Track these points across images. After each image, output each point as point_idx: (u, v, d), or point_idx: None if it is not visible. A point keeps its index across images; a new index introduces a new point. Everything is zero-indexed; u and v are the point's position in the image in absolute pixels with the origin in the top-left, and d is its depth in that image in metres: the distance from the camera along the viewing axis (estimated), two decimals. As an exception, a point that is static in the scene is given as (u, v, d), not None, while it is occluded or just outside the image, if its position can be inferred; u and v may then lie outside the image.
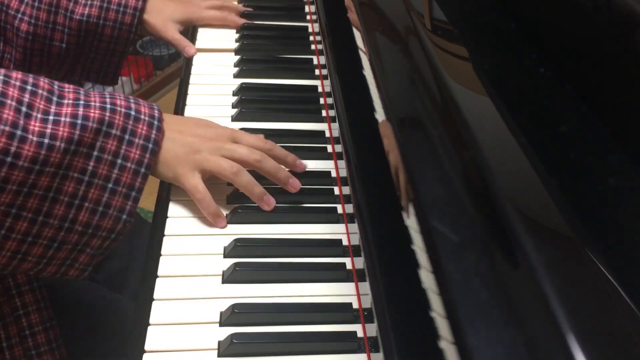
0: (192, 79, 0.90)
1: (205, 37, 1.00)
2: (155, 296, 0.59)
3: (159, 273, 0.61)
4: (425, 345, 0.41)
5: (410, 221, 0.47)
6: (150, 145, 0.62)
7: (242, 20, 1.03)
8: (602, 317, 0.36)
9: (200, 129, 0.68)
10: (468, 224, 0.43)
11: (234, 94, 0.88)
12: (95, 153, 0.58)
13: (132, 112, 0.61)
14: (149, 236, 0.67)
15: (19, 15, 0.82)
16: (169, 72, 2.35)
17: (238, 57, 0.95)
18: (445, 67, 0.57)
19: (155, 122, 0.63)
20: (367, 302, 0.59)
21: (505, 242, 0.40)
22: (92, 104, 0.59)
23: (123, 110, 0.61)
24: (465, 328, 0.36)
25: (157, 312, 0.58)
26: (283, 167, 0.70)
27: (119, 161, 0.60)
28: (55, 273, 0.61)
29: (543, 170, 0.45)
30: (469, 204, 0.44)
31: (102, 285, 0.90)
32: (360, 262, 0.62)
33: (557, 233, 0.41)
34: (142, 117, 0.62)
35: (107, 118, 0.59)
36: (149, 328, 0.56)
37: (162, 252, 0.63)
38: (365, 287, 0.56)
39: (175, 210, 0.68)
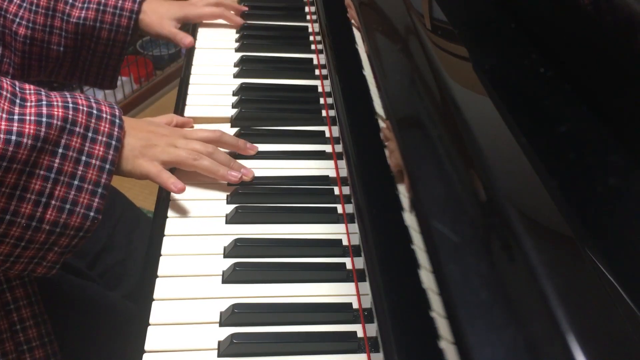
0: (192, 79, 0.90)
1: (206, 36, 1.00)
2: (155, 296, 0.59)
3: (159, 273, 0.61)
4: (425, 345, 0.41)
5: (410, 221, 0.47)
6: (114, 142, 0.63)
7: (241, 20, 1.03)
8: (602, 317, 0.36)
9: (152, 126, 0.70)
10: (468, 224, 0.42)
11: (234, 94, 0.88)
12: (60, 150, 0.59)
13: (94, 111, 0.63)
14: (149, 236, 0.67)
15: (17, 20, 0.83)
16: (169, 72, 2.35)
17: (238, 57, 0.95)
18: (445, 67, 0.57)
19: (117, 120, 0.64)
20: (367, 302, 0.59)
21: (505, 242, 0.40)
22: (55, 103, 0.60)
23: (85, 109, 0.62)
24: (465, 328, 0.36)
25: (157, 312, 0.58)
26: (233, 160, 0.73)
27: (84, 158, 0.61)
28: (23, 270, 0.62)
29: (543, 170, 0.45)
30: (469, 204, 0.44)
31: (97, 280, 0.90)
32: (360, 262, 0.62)
33: (557, 233, 0.41)
34: (104, 115, 0.64)
35: (70, 116, 0.60)
36: (149, 328, 0.56)
37: (162, 252, 0.63)
38: (365, 287, 0.56)
39: (175, 210, 0.68)
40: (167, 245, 0.64)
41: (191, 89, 0.88)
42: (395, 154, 0.52)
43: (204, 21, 1.04)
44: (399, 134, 0.53)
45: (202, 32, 1.02)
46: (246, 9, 1.06)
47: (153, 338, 0.56)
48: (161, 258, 0.63)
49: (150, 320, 0.57)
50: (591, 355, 0.32)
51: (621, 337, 0.35)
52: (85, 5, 0.87)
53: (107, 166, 0.62)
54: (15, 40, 0.84)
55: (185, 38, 0.96)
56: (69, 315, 0.79)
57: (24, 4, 0.83)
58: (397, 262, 0.50)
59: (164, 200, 0.70)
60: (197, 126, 0.81)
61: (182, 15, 0.98)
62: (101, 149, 0.62)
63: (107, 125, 0.63)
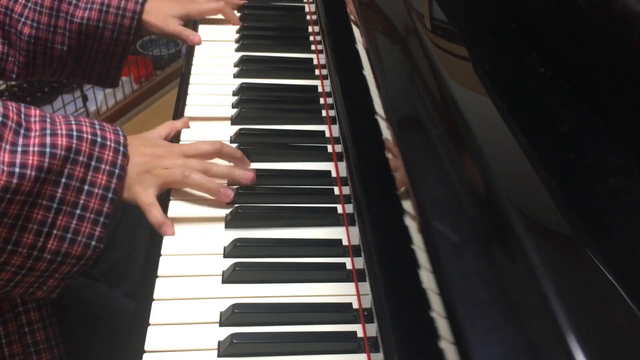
0: (192, 79, 0.90)
1: (205, 36, 1.00)
2: (155, 296, 0.59)
3: (159, 273, 0.61)
4: (425, 345, 0.41)
5: (410, 221, 0.47)
6: (117, 171, 0.63)
7: (238, 20, 1.04)
8: (602, 317, 0.36)
9: (148, 148, 0.69)
10: (468, 224, 0.42)
11: (234, 94, 0.88)
12: (63, 180, 0.59)
13: (98, 139, 0.62)
14: (149, 236, 0.67)
15: (22, 19, 0.84)
16: (169, 72, 2.34)
17: (238, 57, 0.95)
18: (445, 67, 0.57)
19: (121, 148, 0.64)
20: (367, 302, 0.59)
21: (505, 242, 0.40)
22: (59, 132, 0.59)
23: (89, 137, 0.61)
24: (465, 328, 0.36)
25: (157, 312, 0.58)
26: (233, 167, 0.71)
27: (86, 187, 0.60)
28: (23, 294, 0.62)
29: (543, 170, 0.45)
30: (469, 204, 0.44)
31: (101, 280, 0.90)
32: (360, 262, 0.62)
33: (557, 233, 0.41)
34: (108, 143, 0.63)
35: (74, 145, 0.60)
36: (149, 328, 0.56)
37: (162, 252, 0.63)
38: (365, 287, 0.56)
39: (175, 210, 0.68)
40: (167, 245, 0.64)
41: (191, 89, 0.88)
42: (395, 154, 0.52)
43: (206, 17, 1.04)
44: (399, 133, 0.53)
45: (201, 32, 1.01)
46: (246, 1, 1.07)
47: (153, 338, 0.56)
48: (161, 258, 0.63)
49: (150, 320, 0.57)
50: (591, 355, 0.32)
51: (621, 337, 0.35)
52: (89, 5, 0.87)
53: (110, 195, 0.62)
54: (20, 39, 0.85)
55: (193, 36, 0.97)
56: (74, 316, 0.79)
57: (29, 4, 0.84)
58: (397, 262, 0.50)
59: (164, 200, 0.69)
60: (197, 126, 0.81)
61: (185, 13, 0.98)
62: (104, 177, 0.62)
63: (110, 154, 0.63)
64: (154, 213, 0.66)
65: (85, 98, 2.03)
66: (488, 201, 0.43)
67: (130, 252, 0.95)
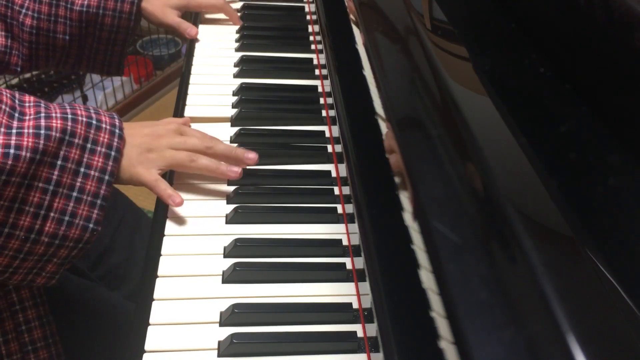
0: (192, 79, 0.90)
1: (206, 36, 1.00)
2: (155, 296, 0.59)
3: (159, 273, 0.61)
4: (425, 345, 0.41)
5: (410, 221, 0.47)
6: (113, 153, 0.63)
7: (239, 19, 1.04)
8: (602, 317, 0.36)
9: (147, 128, 0.69)
10: (468, 224, 0.42)
11: (234, 94, 0.88)
12: (59, 162, 0.59)
13: (94, 121, 0.62)
14: (149, 236, 0.67)
15: (23, 11, 0.84)
16: (169, 72, 2.35)
17: (238, 57, 0.95)
18: (445, 67, 0.57)
19: (117, 131, 0.64)
20: (367, 302, 0.59)
21: (505, 242, 0.40)
22: (54, 115, 0.60)
23: (84, 119, 0.62)
24: (465, 328, 0.36)
25: (157, 312, 0.58)
26: (234, 147, 0.71)
27: (82, 169, 0.60)
28: (22, 281, 0.62)
29: (543, 170, 0.45)
30: (469, 204, 0.44)
31: (100, 282, 0.91)
32: (360, 262, 0.62)
33: (557, 233, 0.41)
34: (104, 125, 0.63)
35: (69, 127, 0.60)
36: (149, 328, 0.56)
37: (162, 252, 0.63)
38: (365, 287, 0.56)
39: (175, 211, 0.68)
40: (167, 245, 0.64)
41: (191, 89, 0.88)
42: (395, 154, 0.52)
43: (206, 16, 1.04)
44: (399, 133, 0.53)
45: (202, 31, 1.02)
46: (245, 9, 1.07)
47: (153, 338, 0.56)
48: (161, 258, 0.63)
49: (150, 320, 0.57)
50: (591, 355, 0.32)
51: (621, 337, 0.35)
52: None
53: (106, 177, 0.62)
54: (22, 31, 0.85)
55: (191, 29, 0.97)
56: (72, 316, 0.79)
57: None
58: (397, 262, 0.50)
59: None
60: (197, 126, 0.81)
61: (184, 4, 0.99)
62: (100, 160, 0.62)
63: (106, 136, 0.63)
64: (162, 187, 0.66)
65: (85, 98, 2.03)
66: (488, 201, 0.43)
67: (130, 254, 0.95)
